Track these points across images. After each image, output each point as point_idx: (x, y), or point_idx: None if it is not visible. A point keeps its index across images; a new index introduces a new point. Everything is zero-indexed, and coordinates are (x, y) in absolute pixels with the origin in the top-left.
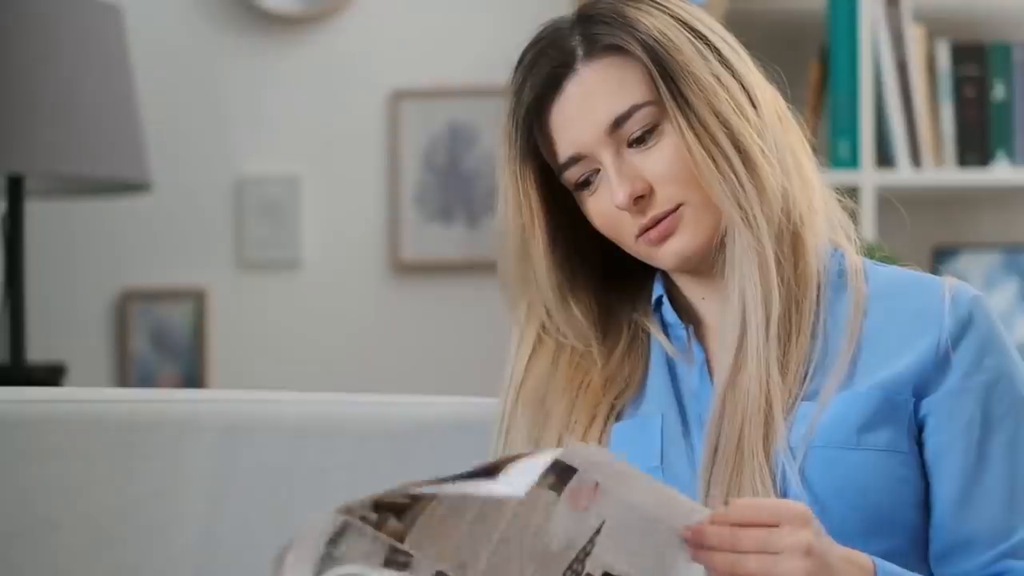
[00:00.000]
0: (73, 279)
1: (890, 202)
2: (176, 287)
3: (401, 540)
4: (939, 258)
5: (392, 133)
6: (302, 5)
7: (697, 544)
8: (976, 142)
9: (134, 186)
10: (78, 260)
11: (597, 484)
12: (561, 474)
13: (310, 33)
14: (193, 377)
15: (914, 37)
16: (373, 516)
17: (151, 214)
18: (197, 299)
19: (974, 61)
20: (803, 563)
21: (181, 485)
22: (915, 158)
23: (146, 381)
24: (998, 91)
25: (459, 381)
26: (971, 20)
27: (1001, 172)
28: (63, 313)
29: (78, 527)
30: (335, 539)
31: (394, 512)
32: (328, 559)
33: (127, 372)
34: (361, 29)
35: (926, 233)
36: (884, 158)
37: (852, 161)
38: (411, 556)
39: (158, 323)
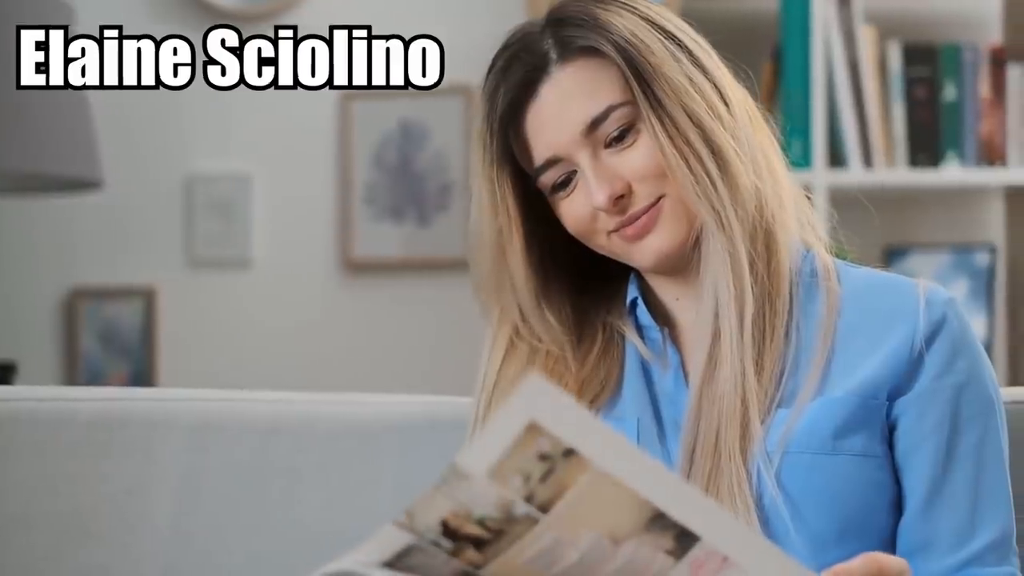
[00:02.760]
0: (22, 277)
1: (841, 202)
2: (126, 285)
3: (478, 568)
4: (889, 258)
5: (343, 132)
6: (252, 2)
7: None
8: (927, 143)
9: (85, 184)
10: (27, 257)
11: (726, 558)
12: (680, 539)
13: (260, 31)
14: (142, 376)
15: (865, 38)
16: (447, 544)
17: (101, 212)
18: (147, 297)
19: (925, 62)
20: None
21: (151, 483)
22: (866, 158)
23: (95, 380)
24: (948, 92)
25: (410, 379)
26: (922, 21)
27: (951, 172)
28: (12, 311)
29: (48, 525)
30: (402, 555)
31: (473, 544)
32: (390, 567)
33: (76, 370)
34: (310, 27)
35: (877, 233)
36: (836, 158)
37: (804, 161)
38: None
39: (107, 321)
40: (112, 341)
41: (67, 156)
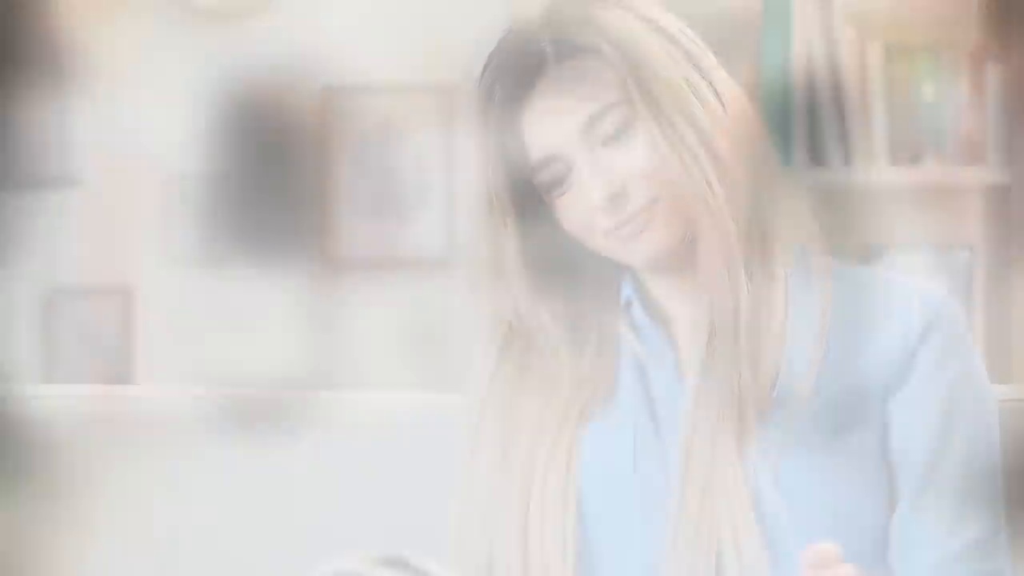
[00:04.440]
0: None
1: (822, 201)
2: (105, 285)
3: None
4: (869, 257)
5: (323, 129)
6: (232, 0)
7: None
8: (906, 142)
9: (64, 181)
10: (4, 255)
11: None
12: None
13: (241, 28)
14: (121, 375)
15: (846, 38)
16: None
17: (80, 210)
18: (126, 297)
19: (905, 62)
20: None
21: (143, 482)
22: (846, 157)
23: (72, 378)
24: (928, 92)
25: (390, 377)
26: (902, 21)
27: (931, 172)
28: None
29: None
30: None
31: None
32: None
33: (53, 369)
34: (292, 25)
35: (856, 232)
36: (816, 157)
37: (785, 160)
38: None
39: (85, 320)
40: (90, 340)
41: (46, 153)
